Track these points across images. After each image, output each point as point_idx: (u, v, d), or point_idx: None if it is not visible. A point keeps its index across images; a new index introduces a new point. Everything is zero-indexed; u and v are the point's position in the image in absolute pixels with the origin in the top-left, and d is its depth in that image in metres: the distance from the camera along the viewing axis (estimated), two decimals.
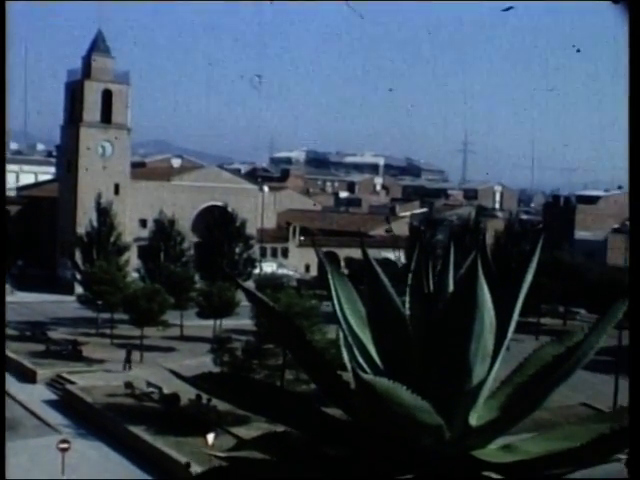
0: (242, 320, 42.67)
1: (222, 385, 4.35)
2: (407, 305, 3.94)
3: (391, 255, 74.32)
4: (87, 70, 72.52)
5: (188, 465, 26.76)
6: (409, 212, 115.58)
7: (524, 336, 44.09)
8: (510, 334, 3.90)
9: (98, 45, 73.89)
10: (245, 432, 26.20)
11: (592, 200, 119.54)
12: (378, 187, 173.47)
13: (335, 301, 4.18)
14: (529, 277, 3.97)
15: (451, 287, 3.87)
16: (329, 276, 4.21)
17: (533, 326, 65.33)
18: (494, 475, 3.62)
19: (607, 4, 4.08)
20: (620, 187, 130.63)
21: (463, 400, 3.80)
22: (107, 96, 73.23)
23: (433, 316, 3.79)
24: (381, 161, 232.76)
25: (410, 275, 4.04)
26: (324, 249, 72.96)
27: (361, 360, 4.08)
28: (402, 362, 3.84)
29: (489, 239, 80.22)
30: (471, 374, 3.75)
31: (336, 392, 4.02)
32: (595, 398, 45.05)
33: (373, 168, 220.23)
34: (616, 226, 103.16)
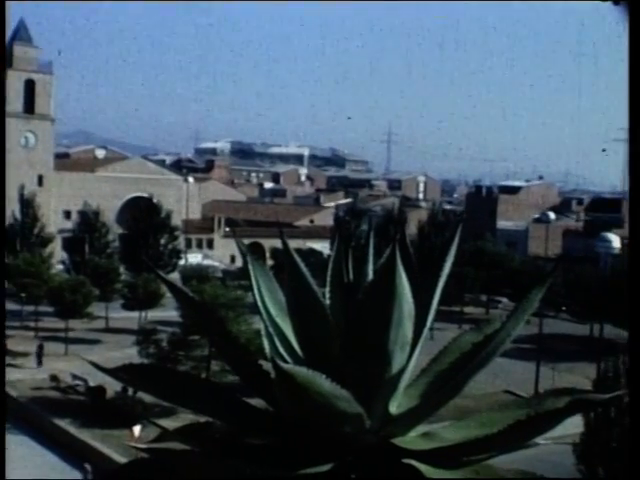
0: (168, 312, 42.42)
1: (143, 376, 4.31)
2: (327, 295, 3.94)
3: (317, 245, 74.58)
4: (9, 59, 71.22)
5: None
6: (334, 202, 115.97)
7: (448, 325, 44.63)
8: (429, 323, 3.93)
9: (20, 34, 72.62)
10: (172, 424, 25.82)
11: (514, 190, 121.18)
12: (303, 178, 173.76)
13: (255, 291, 4.17)
14: (448, 266, 4.01)
15: (370, 277, 3.88)
16: (249, 266, 4.20)
17: (456, 315, 66.07)
18: (414, 462, 3.64)
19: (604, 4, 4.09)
20: (541, 177, 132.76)
21: (383, 388, 3.82)
22: (30, 86, 72.09)
23: (352, 305, 3.80)
24: (306, 152, 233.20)
25: (330, 265, 4.04)
26: (249, 240, 72.82)
27: (282, 350, 4.07)
28: (322, 351, 3.84)
29: (413, 229, 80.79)
30: (391, 362, 3.76)
31: (257, 382, 4.01)
32: (518, 385, 45.75)
33: (298, 159, 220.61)
34: (537, 216, 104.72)
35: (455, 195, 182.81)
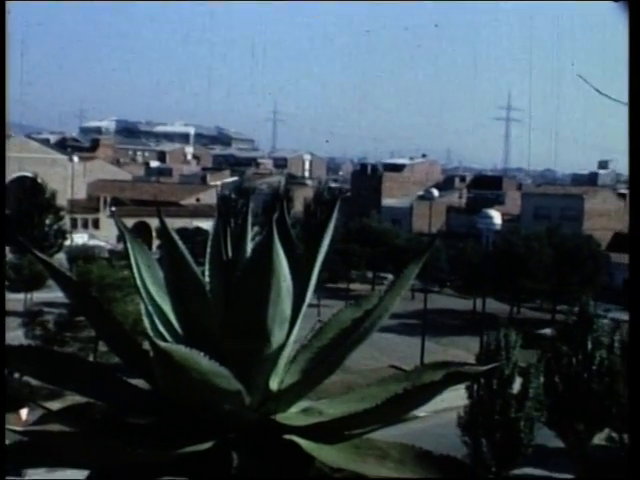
0: (54, 293, 41.60)
1: (22, 358, 4.22)
2: (207, 273, 3.93)
3: (203, 224, 74.27)
4: None
5: None
6: (220, 181, 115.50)
7: (334, 302, 45.03)
8: (308, 299, 3.95)
9: None
10: (59, 406, 25.70)
11: (398, 168, 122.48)
12: (189, 156, 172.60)
13: (134, 270, 4.13)
14: (326, 242, 4.03)
15: (248, 254, 3.88)
16: (127, 245, 4.15)
17: (343, 292, 66.76)
18: (295, 438, 3.66)
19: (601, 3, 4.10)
20: (424, 155, 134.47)
21: (263, 365, 3.83)
22: None
23: (231, 283, 3.79)
24: (191, 130, 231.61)
25: (209, 243, 4.02)
26: (136, 219, 72.08)
27: (162, 329, 4.05)
28: (201, 330, 3.83)
29: (299, 207, 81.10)
30: (270, 339, 3.78)
31: (136, 362, 3.97)
32: (404, 360, 46.50)
33: (184, 137, 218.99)
34: (420, 193, 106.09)
35: (340, 173, 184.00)
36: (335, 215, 4.09)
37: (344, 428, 3.76)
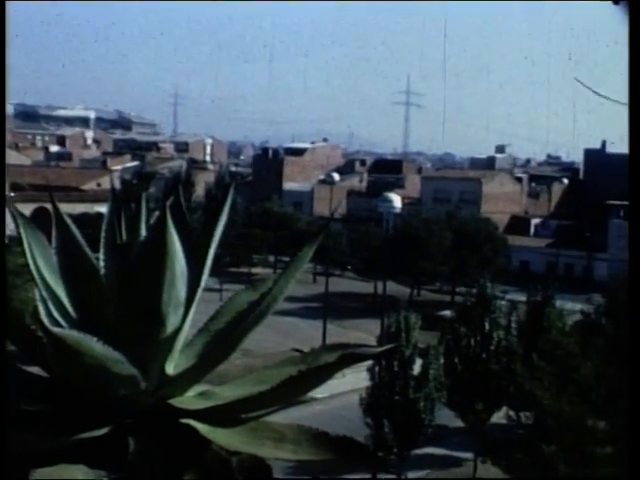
0: None
1: None
2: (101, 257, 3.89)
3: (104, 209, 73.15)
4: None
5: None
6: (121, 166, 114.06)
7: (237, 286, 44.93)
8: (203, 283, 3.94)
9: None
10: None
11: (299, 152, 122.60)
12: (89, 141, 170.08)
13: (28, 255, 4.06)
14: (221, 226, 4.02)
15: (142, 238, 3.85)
16: (20, 230, 4.08)
17: (245, 276, 66.70)
18: (192, 422, 3.66)
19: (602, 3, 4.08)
20: (325, 139, 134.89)
21: (158, 350, 3.81)
22: None
23: (125, 267, 3.77)
24: (92, 114, 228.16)
25: (103, 227, 3.98)
26: (36, 205, 70.70)
27: (56, 314, 3.99)
28: (96, 314, 3.79)
29: (201, 191, 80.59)
30: (165, 323, 3.76)
31: (30, 348, 3.92)
32: (306, 343, 46.49)
33: (84, 121, 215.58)
34: (322, 177, 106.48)
35: (242, 157, 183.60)
36: (230, 198, 4.09)
37: (240, 411, 3.78)
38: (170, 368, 3.88)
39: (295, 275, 3.99)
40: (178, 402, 3.81)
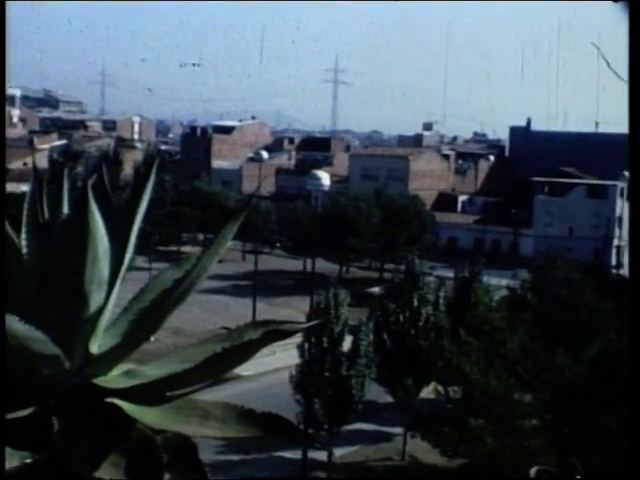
0: None
1: None
2: (23, 236, 3.84)
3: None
4: None
5: None
6: (48, 144, 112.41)
7: (166, 265, 44.75)
8: (128, 260, 3.91)
9: None
10: None
11: (227, 130, 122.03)
12: (15, 119, 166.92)
13: None
14: (144, 203, 3.99)
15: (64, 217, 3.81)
16: None
17: (174, 254, 66.29)
18: (116, 400, 3.64)
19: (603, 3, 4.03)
20: (254, 117, 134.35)
21: (82, 329, 3.78)
22: None
23: (47, 246, 3.72)
24: (18, 92, 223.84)
25: (25, 206, 3.93)
26: None
27: None
28: (18, 294, 3.74)
29: (129, 170, 79.82)
30: (88, 302, 3.72)
31: None
32: (236, 321, 46.22)
33: (9, 100, 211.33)
34: (250, 155, 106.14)
35: (170, 135, 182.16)
36: (153, 175, 4.06)
37: (165, 389, 3.76)
38: (94, 347, 3.85)
39: (219, 252, 3.98)
40: (102, 381, 3.78)
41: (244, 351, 3.66)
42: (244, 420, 3.67)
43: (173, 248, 73.76)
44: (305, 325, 4.06)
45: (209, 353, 3.61)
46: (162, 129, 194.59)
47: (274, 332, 3.70)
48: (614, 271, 74.60)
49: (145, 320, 3.92)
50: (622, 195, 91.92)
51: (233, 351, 3.57)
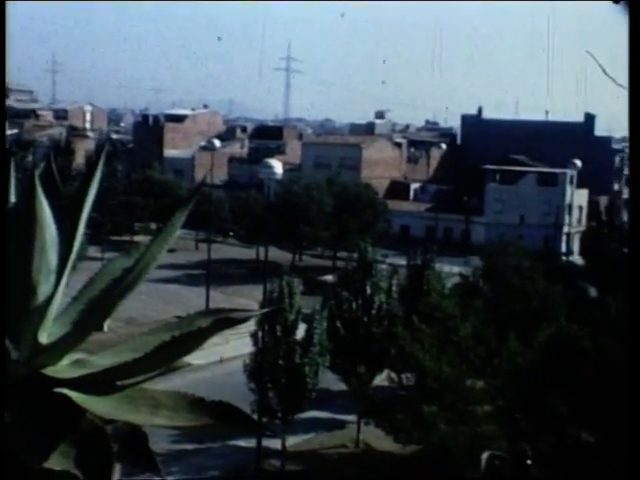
0: None
1: None
2: None
3: None
4: None
5: None
6: None
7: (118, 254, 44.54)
8: (76, 249, 3.89)
9: None
10: None
11: (180, 119, 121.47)
12: None
13: None
14: (92, 192, 3.96)
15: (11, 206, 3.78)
16: None
17: (127, 244, 65.97)
18: (66, 390, 3.62)
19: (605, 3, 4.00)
20: (206, 106, 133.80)
21: (30, 318, 3.74)
22: None
23: None
24: None
25: None
26: None
27: None
28: None
29: (81, 159, 79.17)
30: (36, 291, 3.69)
31: None
32: (188, 310, 46.41)
33: None
34: (203, 144, 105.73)
35: (122, 124, 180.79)
36: (102, 163, 4.03)
37: (115, 379, 3.75)
38: (43, 337, 3.82)
39: (169, 240, 3.96)
40: (51, 371, 3.76)
41: (194, 339, 3.65)
42: (195, 409, 3.67)
43: (126, 238, 73.28)
44: (254, 313, 4.06)
45: (159, 342, 3.60)
46: (114, 118, 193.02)
47: (224, 320, 3.69)
48: (564, 258, 75.42)
49: (94, 309, 3.90)
50: (572, 183, 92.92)
51: (183, 339, 3.56)
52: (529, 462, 28.61)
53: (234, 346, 43.76)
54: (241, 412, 3.66)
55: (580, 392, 26.94)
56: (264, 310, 20.85)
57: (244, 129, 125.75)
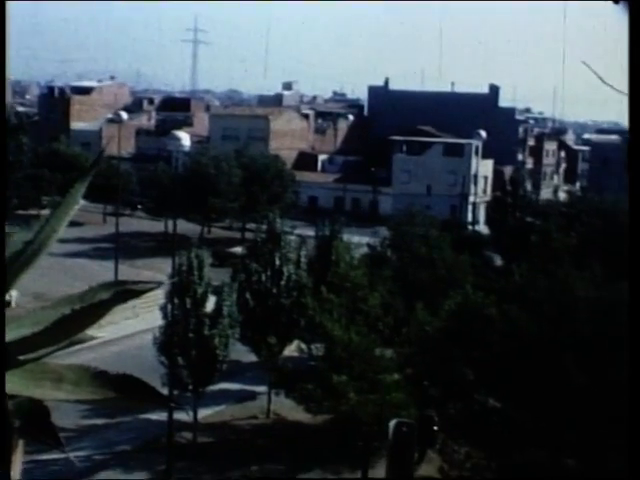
0: None
1: None
2: None
3: None
4: None
5: None
6: None
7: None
8: None
9: None
10: None
11: (86, 91, 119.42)
12: None
13: None
14: None
15: None
16: None
17: (34, 218, 64.88)
18: None
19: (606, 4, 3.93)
20: (112, 77, 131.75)
21: None
22: None
23: None
24: None
25: None
26: None
27: None
28: None
29: None
30: None
31: None
32: (97, 283, 46.14)
33: None
34: (110, 116, 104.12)
35: (27, 97, 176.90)
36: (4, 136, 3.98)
37: (16, 354, 3.71)
38: None
39: (69, 212, 3.93)
40: None
41: (95, 312, 3.63)
42: (98, 382, 3.65)
43: (33, 212, 72.01)
44: (154, 285, 4.03)
45: (60, 315, 3.58)
46: (19, 90, 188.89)
47: (125, 292, 3.69)
48: (470, 227, 76.58)
49: None
50: (477, 153, 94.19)
51: (83, 312, 3.54)
52: (435, 428, 29.10)
53: (144, 319, 43.48)
54: (145, 385, 3.65)
55: (486, 359, 27.46)
56: (167, 282, 20.61)
57: (151, 101, 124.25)
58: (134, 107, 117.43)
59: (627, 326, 3.60)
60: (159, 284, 4.40)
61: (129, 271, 55.74)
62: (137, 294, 3.73)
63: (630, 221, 3.62)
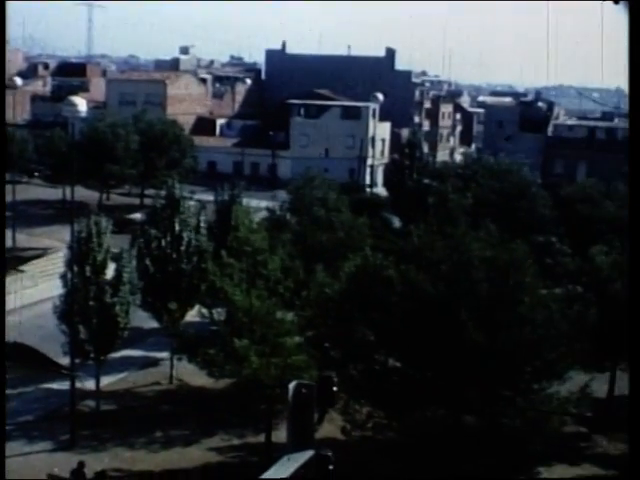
0: None
1: None
2: None
3: None
4: None
5: None
6: None
7: None
8: None
9: None
10: None
11: None
12: None
13: None
14: None
15: None
16: None
17: None
18: None
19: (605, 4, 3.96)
20: None
21: None
22: None
23: None
24: None
25: None
26: None
27: None
28: None
29: None
30: None
31: None
32: None
33: None
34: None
35: None
36: None
37: None
38: None
39: None
40: None
41: None
42: None
43: None
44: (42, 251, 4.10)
45: None
46: None
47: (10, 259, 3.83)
48: (368, 190, 77.23)
49: None
50: (374, 116, 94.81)
51: None
52: (335, 388, 29.50)
53: (44, 288, 42.91)
54: (37, 352, 3.81)
55: (386, 320, 27.95)
56: (52, 250, 20.40)
57: (46, 66, 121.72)
58: (28, 73, 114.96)
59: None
60: (45, 250, 4.49)
61: (27, 240, 54.85)
62: (24, 261, 3.88)
63: (630, 221, 3.80)
